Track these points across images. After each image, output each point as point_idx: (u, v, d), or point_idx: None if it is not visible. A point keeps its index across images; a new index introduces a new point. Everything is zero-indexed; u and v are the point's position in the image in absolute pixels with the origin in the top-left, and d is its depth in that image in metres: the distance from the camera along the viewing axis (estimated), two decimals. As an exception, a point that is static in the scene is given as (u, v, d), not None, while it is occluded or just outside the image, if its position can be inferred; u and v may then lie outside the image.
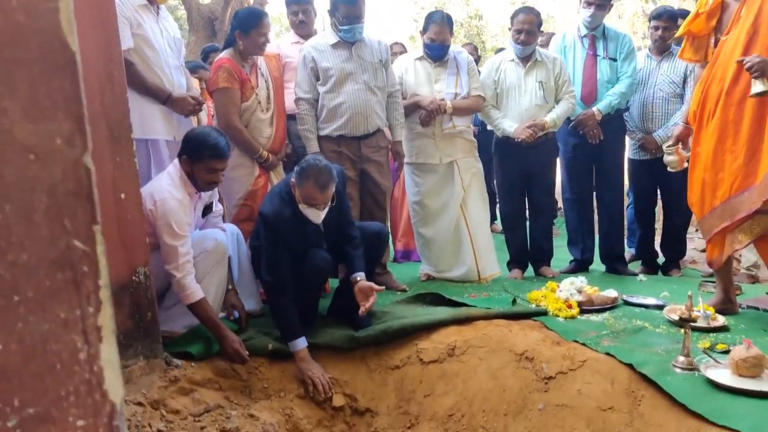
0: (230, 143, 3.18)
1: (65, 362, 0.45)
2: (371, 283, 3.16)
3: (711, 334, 3.05)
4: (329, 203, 3.06)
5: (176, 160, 3.04)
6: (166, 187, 2.93)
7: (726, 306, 3.37)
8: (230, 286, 3.27)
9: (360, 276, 3.18)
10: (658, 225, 5.32)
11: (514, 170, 4.41)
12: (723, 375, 2.47)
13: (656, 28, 4.48)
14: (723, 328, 3.13)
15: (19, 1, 0.42)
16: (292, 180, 3.07)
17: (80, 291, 0.45)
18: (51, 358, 0.44)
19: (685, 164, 3.45)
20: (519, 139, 4.14)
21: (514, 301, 3.60)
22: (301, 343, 3.04)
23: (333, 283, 3.79)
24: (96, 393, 0.46)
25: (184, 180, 2.99)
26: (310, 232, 3.15)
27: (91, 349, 0.46)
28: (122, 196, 2.57)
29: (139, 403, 2.53)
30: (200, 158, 2.95)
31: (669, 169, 3.60)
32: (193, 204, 3.06)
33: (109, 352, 0.46)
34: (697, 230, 7.04)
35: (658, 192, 4.82)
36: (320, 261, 3.15)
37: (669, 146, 3.51)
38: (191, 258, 2.93)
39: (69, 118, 0.44)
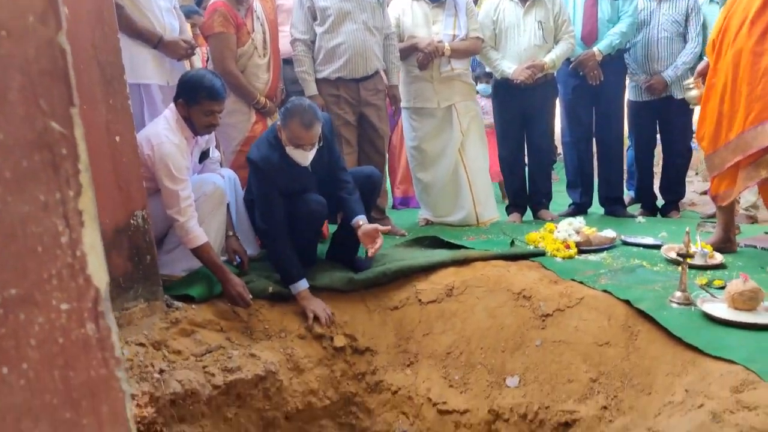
0: (226, 87, 3.14)
1: (46, 245, 0.44)
2: (375, 225, 3.15)
3: (708, 272, 3.07)
4: (316, 144, 3.04)
5: (172, 105, 3.00)
6: (162, 131, 2.90)
7: (725, 245, 3.37)
8: (231, 232, 3.27)
9: (362, 219, 3.16)
10: (658, 169, 5.30)
11: (513, 112, 4.37)
12: (719, 309, 2.49)
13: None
14: (720, 266, 3.15)
15: None
16: (278, 123, 3.04)
17: (59, 174, 0.44)
18: (31, 240, 0.44)
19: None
20: (518, 81, 4.09)
21: (512, 243, 3.61)
22: (302, 285, 3.07)
23: (331, 231, 3.79)
24: (79, 277, 0.46)
25: (180, 124, 2.97)
26: (299, 176, 3.14)
27: (73, 233, 0.45)
28: (117, 139, 2.55)
29: (141, 344, 2.55)
30: (196, 101, 2.92)
31: (691, 106, 3.57)
32: (190, 148, 3.04)
33: (91, 237, 0.46)
34: (697, 174, 7.04)
35: (658, 135, 4.78)
36: (314, 204, 3.14)
37: (689, 82, 3.47)
38: (193, 202, 2.93)
39: (41, -5, 0.43)
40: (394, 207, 5.43)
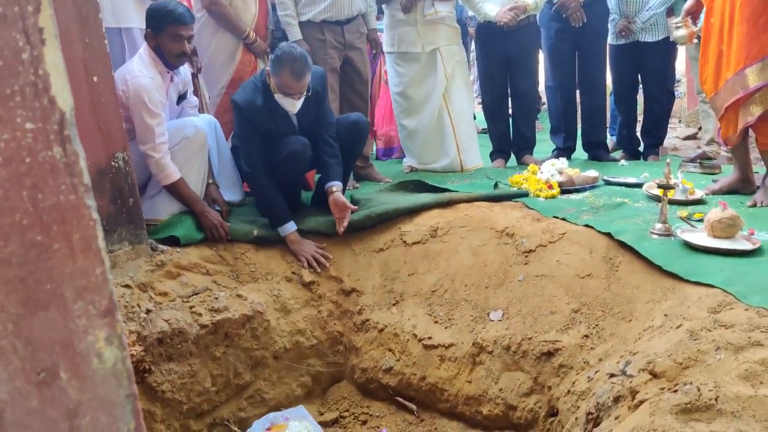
0: (192, 13, 3.10)
1: (8, 61, 0.44)
2: (345, 201, 3.14)
3: (689, 207, 3.10)
4: (305, 93, 3.01)
5: (145, 42, 2.97)
6: (136, 66, 2.88)
7: (743, 184, 3.32)
8: (210, 180, 3.25)
9: (336, 186, 3.14)
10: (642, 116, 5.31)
11: (496, 57, 4.34)
12: (699, 237, 2.53)
13: None
14: (700, 201, 3.19)
15: None
16: (267, 69, 3.01)
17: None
18: (-9, 54, 0.43)
19: (695, 40, 3.37)
20: (501, 23, 4.05)
21: (495, 186, 3.63)
22: (290, 227, 3.08)
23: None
24: (43, 98, 0.46)
25: (153, 59, 2.94)
26: (283, 124, 3.12)
27: (34, 51, 0.45)
28: (95, 78, 2.51)
29: (127, 286, 2.56)
30: (163, 27, 2.89)
31: (678, 45, 3.50)
32: (165, 85, 3.01)
33: (53, 56, 0.45)
34: (680, 121, 7.06)
35: (640, 79, 4.77)
36: (296, 144, 3.12)
37: (677, 21, 3.38)
38: (167, 138, 2.91)
39: None
40: (377, 158, 5.41)
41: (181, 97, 3.21)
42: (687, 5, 3.36)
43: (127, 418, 0.54)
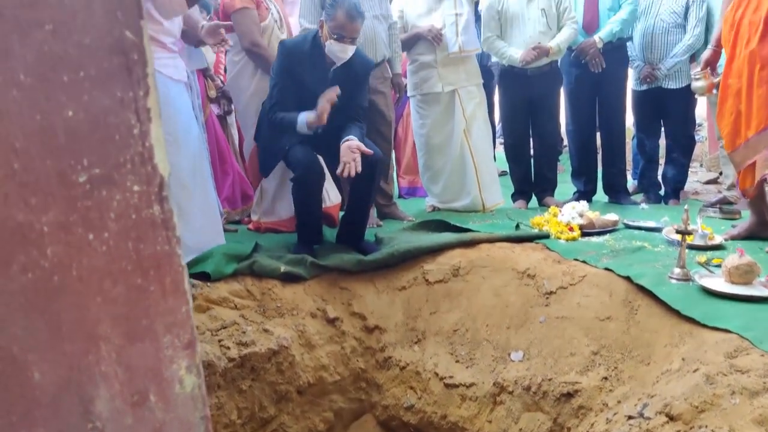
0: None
1: (123, 135, 0.54)
2: (360, 144, 3.14)
3: (707, 252, 3.15)
4: (356, 41, 3.18)
5: None
6: None
7: (761, 228, 3.34)
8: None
9: (351, 138, 3.17)
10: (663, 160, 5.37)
11: (518, 100, 4.46)
12: (716, 283, 2.58)
13: (659, -43, 4.46)
14: (719, 247, 3.23)
15: None
16: (321, 19, 3.20)
17: (132, 76, 0.54)
18: (111, 129, 0.53)
19: (714, 91, 3.37)
20: (524, 62, 4.18)
21: (517, 226, 3.70)
22: (303, 116, 3.18)
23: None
24: (148, 165, 0.55)
25: None
26: (319, 81, 3.23)
27: (143, 126, 0.54)
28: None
29: (159, 318, 2.65)
30: None
31: (696, 95, 3.54)
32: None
33: (156, 132, 0.55)
34: (701, 165, 7.11)
35: (662, 123, 4.86)
36: (304, 161, 3.23)
37: (697, 72, 3.40)
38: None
39: (119, -77, 0.52)
40: (400, 196, 5.52)
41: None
42: (705, 55, 3.41)
43: (200, 438, 0.63)
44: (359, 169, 3.08)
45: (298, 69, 3.18)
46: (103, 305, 0.54)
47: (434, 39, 4.13)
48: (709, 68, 3.38)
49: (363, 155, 3.13)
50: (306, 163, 3.24)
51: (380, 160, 3.49)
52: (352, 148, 3.12)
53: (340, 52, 3.17)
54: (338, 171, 3.09)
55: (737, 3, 3.10)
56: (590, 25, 4.37)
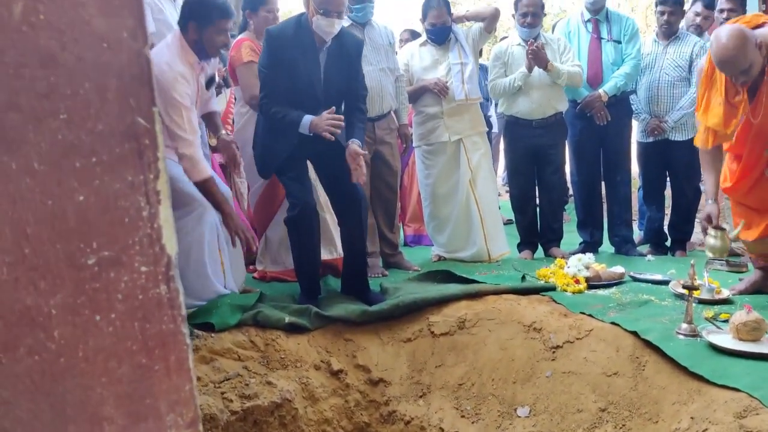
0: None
1: (132, 217, 0.55)
2: (361, 150, 3.25)
3: (715, 306, 3.13)
4: (343, 15, 3.21)
5: (175, 32, 2.95)
6: (165, 59, 2.83)
7: (765, 283, 3.33)
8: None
9: (353, 142, 3.26)
10: (669, 210, 5.37)
11: (524, 151, 4.49)
12: (724, 339, 2.56)
13: (662, 13, 4.53)
14: (726, 301, 3.21)
15: None
16: None
17: (143, 160, 0.55)
18: (121, 212, 0.54)
19: (731, 244, 3.34)
20: (529, 69, 4.20)
21: (523, 278, 3.69)
22: (307, 118, 3.17)
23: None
24: (156, 246, 0.56)
25: (185, 49, 2.92)
26: (309, 61, 3.23)
27: (152, 209, 0.55)
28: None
29: (162, 370, 2.64)
30: (210, 21, 2.89)
31: (709, 254, 3.22)
32: (195, 75, 3.00)
33: (165, 213, 0.56)
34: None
35: (668, 174, 4.87)
36: (300, 202, 3.27)
37: (710, 231, 3.18)
38: (198, 131, 2.95)
39: (132, 16, 0.54)
40: (406, 244, 5.51)
41: (210, 82, 3.25)
42: (710, 211, 3.21)
43: None
44: (364, 178, 3.27)
45: (287, 54, 3.17)
46: (108, 385, 0.54)
47: (440, 92, 4.19)
48: (719, 229, 3.19)
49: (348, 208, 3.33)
50: (301, 204, 3.26)
51: (364, 199, 3.51)
52: (353, 153, 3.21)
53: (327, 27, 3.17)
54: (353, 178, 3.22)
55: (732, 155, 3.16)
56: (594, 79, 4.43)
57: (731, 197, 3.26)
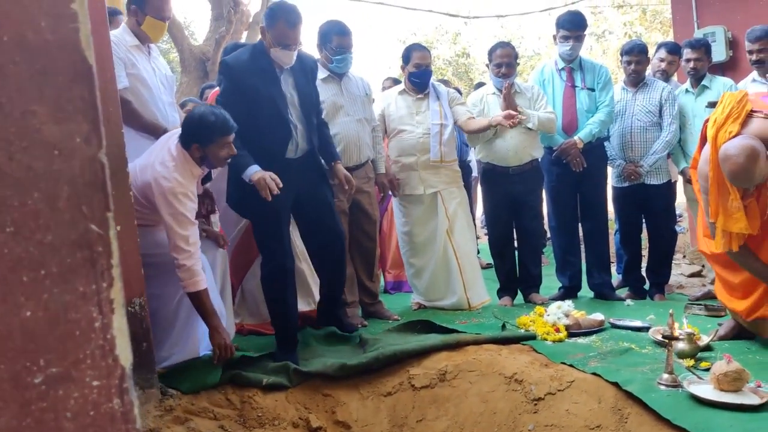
0: None
1: (83, 330, 0.52)
2: (346, 173, 3.59)
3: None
4: (299, 44, 3.24)
5: (176, 144, 2.98)
6: (168, 171, 2.88)
7: (744, 328, 3.32)
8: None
9: (339, 162, 3.63)
10: (647, 252, 5.40)
11: (502, 198, 4.51)
12: (705, 390, 2.54)
13: (629, 63, 4.62)
14: (707, 348, 3.20)
15: (47, 21, 0.51)
16: (262, 26, 3.24)
17: (96, 268, 0.53)
18: (71, 325, 0.52)
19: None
20: (499, 122, 4.12)
21: (503, 327, 3.67)
22: (252, 168, 3.12)
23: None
24: (109, 357, 0.53)
25: (188, 160, 2.96)
26: (270, 86, 3.23)
27: (105, 319, 0.53)
28: (118, 228, 2.64)
29: (135, 433, 2.56)
30: (212, 140, 2.92)
31: (679, 358, 2.96)
32: (196, 182, 3.06)
33: (119, 322, 0.54)
34: (684, 256, 7.15)
35: (644, 218, 4.91)
36: (279, 251, 3.28)
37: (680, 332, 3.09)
38: (199, 243, 2.97)
39: (86, 120, 0.53)
40: (386, 291, 5.47)
41: (207, 177, 3.28)
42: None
43: None
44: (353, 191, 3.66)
45: (248, 81, 3.19)
46: None
47: (512, 125, 4.10)
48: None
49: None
50: (277, 262, 3.26)
51: (344, 239, 3.61)
52: (340, 176, 3.55)
53: (285, 58, 3.23)
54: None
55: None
56: (569, 126, 4.48)
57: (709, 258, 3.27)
